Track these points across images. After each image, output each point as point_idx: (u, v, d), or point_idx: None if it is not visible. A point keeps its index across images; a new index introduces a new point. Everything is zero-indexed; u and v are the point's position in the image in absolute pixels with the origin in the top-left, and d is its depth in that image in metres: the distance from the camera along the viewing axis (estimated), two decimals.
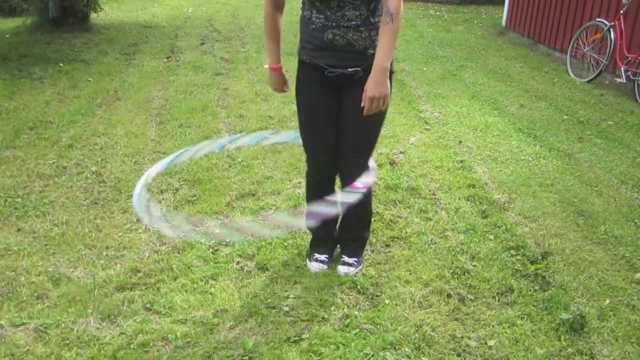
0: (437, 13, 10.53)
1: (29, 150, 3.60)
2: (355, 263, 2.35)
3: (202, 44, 6.97)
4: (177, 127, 4.04)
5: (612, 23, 5.63)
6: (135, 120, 4.19)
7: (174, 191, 3.05)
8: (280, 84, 2.31)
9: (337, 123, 2.18)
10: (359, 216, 2.38)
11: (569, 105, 4.91)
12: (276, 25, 2.18)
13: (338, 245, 2.49)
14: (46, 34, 7.45)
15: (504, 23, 9.04)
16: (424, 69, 6.02)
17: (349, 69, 2.05)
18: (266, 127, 4.09)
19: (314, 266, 2.33)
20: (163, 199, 2.97)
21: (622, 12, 5.61)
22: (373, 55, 1.99)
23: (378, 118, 2.13)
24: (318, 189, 2.32)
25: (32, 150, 3.58)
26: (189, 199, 2.96)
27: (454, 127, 4.17)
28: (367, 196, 2.30)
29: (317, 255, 2.37)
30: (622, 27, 5.55)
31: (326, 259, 2.38)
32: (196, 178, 3.19)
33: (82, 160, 3.44)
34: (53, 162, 3.39)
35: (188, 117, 4.26)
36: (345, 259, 2.37)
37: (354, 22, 1.98)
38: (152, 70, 5.68)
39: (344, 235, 2.45)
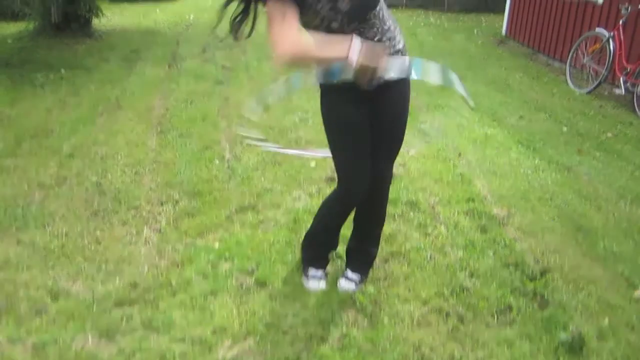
0: (438, 21, 10.56)
1: (30, 159, 3.61)
2: (358, 280, 2.34)
3: (204, 51, 6.99)
4: (178, 137, 4.04)
5: (612, 33, 5.65)
6: (136, 129, 4.20)
7: (174, 203, 3.06)
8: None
9: (370, 136, 2.10)
10: (376, 218, 2.36)
11: (568, 116, 4.92)
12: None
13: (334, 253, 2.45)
14: (48, 39, 7.47)
15: (504, 32, 9.07)
16: (424, 80, 6.02)
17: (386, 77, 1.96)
18: (266, 138, 4.10)
19: (312, 285, 2.32)
20: (162, 210, 2.98)
21: (621, 22, 5.63)
22: (400, 51, 1.99)
23: (405, 122, 2.17)
24: (347, 213, 2.27)
25: (33, 160, 3.59)
26: (188, 211, 2.97)
27: (454, 139, 4.18)
28: (386, 195, 2.31)
29: (313, 272, 2.35)
30: (622, 37, 5.57)
31: (323, 275, 2.37)
32: (196, 190, 3.20)
33: (82, 170, 3.44)
34: (54, 172, 3.40)
35: (188, 127, 4.26)
36: (349, 273, 2.35)
37: (376, 39, 1.91)
38: (154, 78, 5.69)
39: (353, 243, 2.41)
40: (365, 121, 2.07)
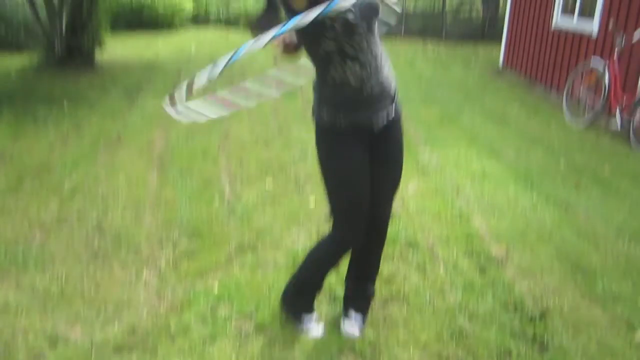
0: (436, 51, 10.70)
1: (31, 197, 3.63)
2: (361, 320, 2.33)
3: (205, 85, 7.06)
4: (178, 174, 4.08)
5: (607, 65, 5.71)
6: (136, 165, 4.23)
7: (174, 243, 3.07)
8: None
9: (371, 182, 2.09)
10: (377, 259, 2.37)
11: (565, 150, 4.96)
12: None
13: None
14: (52, 72, 7.59)
15: (501, 62, 9.18)
16: (423, 111, 6.10)
17: (389, 117, 2.01)
18: (266, 173, 4.14)
19: (311, 332, 2.30)
20: (162, 251, 2.99)
21: (616, 53, 5.70)
22: (395, 88, 2.01)
23: (402, 163, 2.18)
24: (342, 257, 2.24)
25: (34, 198, 3.61)
26: (188, 251, 2.98)
27: (452, 174, 4.21)
28: (386, 236, 2.32)
29: (307, 317, 2.33)
30: (617, 69, 5.64)
31: (317, 317, 2.35)
32: (196, 229, 3.21)
33: (83, 209, 3.46)
34: (54, 211, 3.42)
35: (189, 163, 4.30)
36: (352, 314, 2.33)
37: (380, 53, 1.92)
38: (155, 112, 5.75)
39: (352, 284, 2.39)
40: (366, 167, 2.06)
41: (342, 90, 1.92)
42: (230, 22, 14.67)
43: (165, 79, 7.35)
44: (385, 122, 2.02)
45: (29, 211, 3.42)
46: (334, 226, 2.16)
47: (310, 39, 1.87)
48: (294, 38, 1.99)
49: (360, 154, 2.03)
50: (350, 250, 2.27)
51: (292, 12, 1.73)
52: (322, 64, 1.91)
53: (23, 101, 6.04)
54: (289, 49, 2.04)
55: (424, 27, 13.15)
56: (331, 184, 2.09)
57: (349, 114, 1.95)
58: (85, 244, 3.04)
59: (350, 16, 1.80)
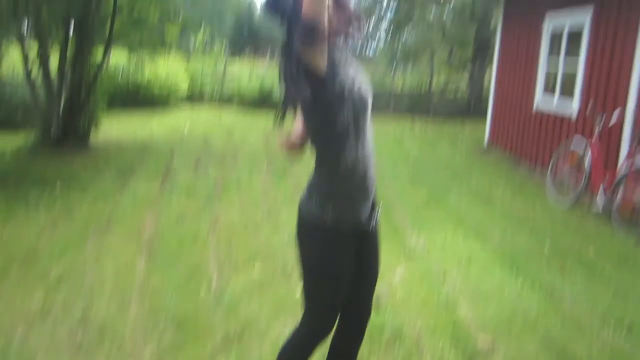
0: (423, 129, 11.02)
1: (17, 286, 3.61)
2: None
3: (197, 165, 7.22)
4: (167, 260, 4.09)
5: (587, 146, 5.90)
6: (125, 251, 4.25)
7: (159, 335, 3.04)
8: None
9: (358, 272, 2.09)
10: (357, 348, 2.30)
11: (550, 231, 5.04)
12: None
13: None
14: (46, 153, 7.73)
15: (486, 140, 9.47)
16: (410, 191, 6.22)
17: (379, 211, 2.04)
18: (255, 259, 4.16)
19: None
20: (147, 344, 2.96)
21: (595, 134, 5.90)
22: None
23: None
24: (316, 347, 2.16)
25: (19, 287, 3.60)
26: (173, 344, 2.95)
27: (439, 259, 4.26)
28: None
29: None
30: (597, 150, 5.83)
31: None
32: (182, 320, 3.20)
33: (68, 299, 3.44)
34: (39, 302, 3.40)
35: (178, 249, 4.33)
36: None
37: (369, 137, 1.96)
38: (146, 195, 5.84)
39: None
40: (353, 266, 2.06)
41: (352, 178, 1.89)
42: (224, 99, 15.13)
43: (158, 160, 7.49)
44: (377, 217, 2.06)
45: (13, 302, 3.40)
46: (310, 316, 2.10)
47: (327, 114, 1.84)
48: (300, 133, 2.07)
49: (353, 256, 2.02)
50: (323, 341, 2.25)
51: (311, 78, 1.77)
52: (337, 144, 1.87)
53: (16, 183, 6.12)
54: (295, 147, 2.10)
55: (412, 105, 13.62)
56: (317, 285, 2.04)
57: (354, 210, 1.93)
58: (69, 338, 3.01)
59: (364, 86, 1.88)
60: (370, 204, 2.02)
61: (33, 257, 4.12)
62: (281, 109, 1.97)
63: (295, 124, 2.12)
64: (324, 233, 1.94)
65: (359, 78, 1.92)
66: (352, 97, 1.84)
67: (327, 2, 1.72)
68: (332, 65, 1.82)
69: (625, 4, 5.98)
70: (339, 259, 1.97)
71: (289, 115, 1.98)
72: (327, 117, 1.85)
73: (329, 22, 1.82)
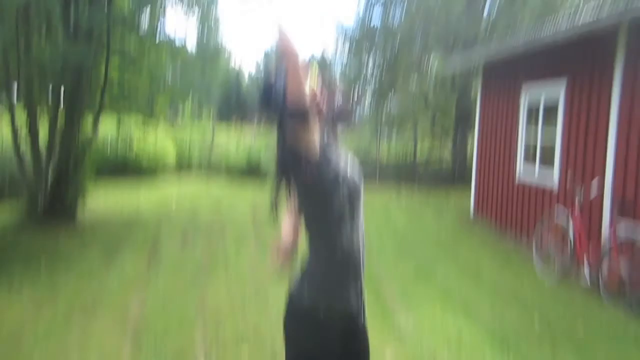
0: (409, 199, 11.16)
1: None
2: None
3: (184, 240, 7.19)
4: (151, 346, 4.00)
5: (569, 217, 5.99)
6: (110, 336, 4.15)
7: None
8: None
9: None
10: None
11: (539, 307, 5.04)
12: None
13: None
14: (32, 226, 7.67)
15: (472, 212, 9.57)
16: (398, 266, 6.23)
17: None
18: (242, 340, 4.09)
19: None
20: None
21: (576, 206, 6.01)
22: None
23: None
24: None
25: None
26: None
27: (428, 339, 4.22)
28: None
29: None
30: (579, 223, 5.92)
31: None
32: None
33: None
34: None
35: (164, 332, 4.24)
36: None
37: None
38: (132, 273, 5.77)
39: None
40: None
41: (347, 265, 1.92)
42: (212, 168, 15.25)
43: (145, 235, 7.45)
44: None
45: None
46: None
47: (323, 200, 1.88)
48: (290, 237, 2.10)
49: (340, 349, 1.99)
50: None
51: (305, 164, 1.83)
52: (333, 230, 1.90)
53: (0, 260, 6.03)
54: (288, 255, 2.13)
55: (397, 174, 13.87)
56: None
57: (346, 296, 1.93)
58: None
59: (356, 172, 1.95)
60: (359, 290, 2.00)
61: (14, 344, 4.01)
62: (274, 201, 2.00)
63: (283, 225, 2.16)
64: (312, 321, 1.94)
65: (351, 165, 2.00)
66: (347, 183, 1.91)
67: (306, 86, 1.81)
68: (324, 151, 1.90)
69: (597, 76, 6.25)
70: (325, 348, 1.95)
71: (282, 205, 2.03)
72: (322, 204, 1.89)
73: (319, 107, 1.92)
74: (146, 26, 9.90)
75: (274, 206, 1.99)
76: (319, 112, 1.94)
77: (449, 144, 15.56)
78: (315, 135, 1.85)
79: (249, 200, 10.63)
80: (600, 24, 5.71)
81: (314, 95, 1.94)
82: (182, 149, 15.43)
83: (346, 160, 2.00)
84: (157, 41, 10.13)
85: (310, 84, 1.92)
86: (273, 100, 1.92)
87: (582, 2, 13.92)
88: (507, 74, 8.55)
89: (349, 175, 1.94)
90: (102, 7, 8.30)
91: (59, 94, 8.43)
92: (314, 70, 1.95)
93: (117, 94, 9.56)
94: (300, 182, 1.89)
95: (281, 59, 1.76)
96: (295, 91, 1.78)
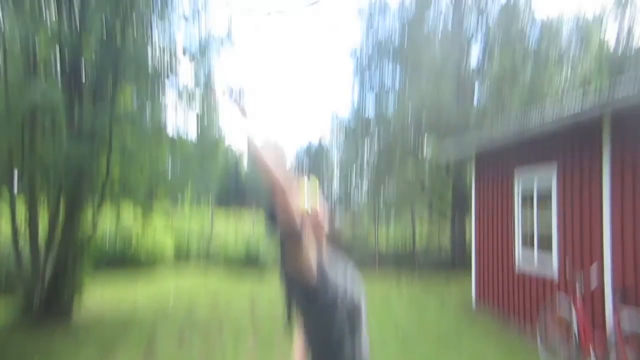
0: (409, 287, 10.99)
1: None
2: None
3: (180, 340, 7.00)
4: None
5: (572, 305, 5.88)
6: None
7: None
8: None
9: None
10: None
11: None
12: None
13: None
14: (27, 323, 7.51)
15: (473, 301, 9.36)
16: None
17: None
18: None
19: None
20: None
21: (578, 295, 5.91)
22: None
23: None
24: None
25: None
26: None
27: None
28: None
29: None
30: (582, 312, 5.80)
31: None
32: None
33: None
34: None
35: None
36: None
37: None
38: None
39: None
40: None
41: None
42: (210, 259, 15.12)
43: (140, 336, 7.24)
44: None
45: None
46: None
47: (323, 323, 1.89)
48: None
49: None
50: None
51: (304, 288, 1.85)
52: (333, 349, 1.90)
53: None
54: None
55: (397, 262, 13.78)
56: None
57: None
58: None
59: (357, 291, 1.95)
60: None
61: None
62: (287, 319, 2.02)
63: (295, 349, 2.16)
64: None
65: (351, 279, 2.01)
66: (346, 304, 1.92)
67: (293, 210, 1.83)
68: (322, 271, 1.92)
69: (586, 161, 6.37)
70: None
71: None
72: (321, 326, 1.91)
73: (320, 225, 1.96)
74: (148, 122, 10.16)
75: (288, 321, 2.02)
76: (320, 228, 1.99)
77: (447, 229, 15.56)
78: (312, 256, 1.87)
79: (247, 294, 10.45)
80: (584, 116, 5.94)
81: (315, 213, 1.98)
82: (180, 240, 15.39)
83: (346, 275, 2.01)
84: (159, 136, 10.37)
85: (312, 202, 1.96)
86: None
87: (567, 86, 14.50)
88: (499, 160, 8.68)
89: (348, 294, 1.95)
90: (105, 106, 8.57)
91: (60, 189, 8.54)
92: (315, 187, 1.98)
93: (118, 189, 9.68)
94: (300, 305, 1.91)
95: (270, 194, 1.81)
96: (285, 219, 1.79)
